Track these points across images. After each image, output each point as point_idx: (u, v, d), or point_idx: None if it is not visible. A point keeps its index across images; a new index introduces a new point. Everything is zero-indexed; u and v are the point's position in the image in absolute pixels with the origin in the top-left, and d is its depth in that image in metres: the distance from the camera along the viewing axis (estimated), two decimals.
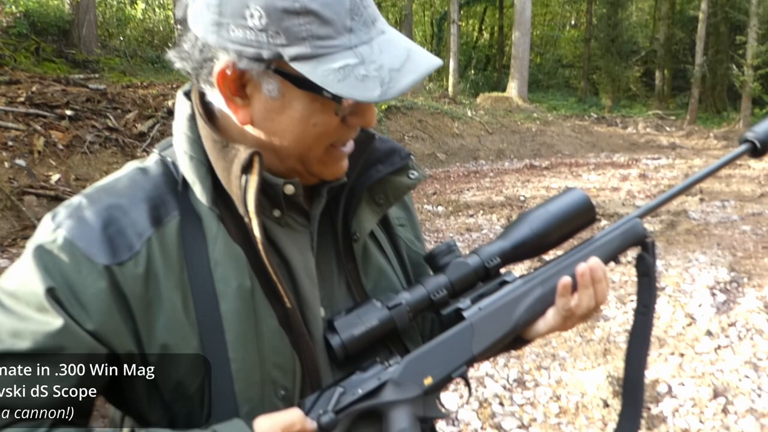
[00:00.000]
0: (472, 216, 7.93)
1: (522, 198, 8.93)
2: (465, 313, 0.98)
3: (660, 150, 15.09)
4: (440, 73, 19.44)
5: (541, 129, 15.84)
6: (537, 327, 1.02)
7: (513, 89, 19.97)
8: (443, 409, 0.96)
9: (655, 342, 4.20)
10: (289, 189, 0.89)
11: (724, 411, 3.27)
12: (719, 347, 4.04)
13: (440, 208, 8.29)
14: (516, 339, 1.03)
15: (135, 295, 0.80)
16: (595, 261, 1.01)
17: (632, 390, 1.10)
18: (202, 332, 0.82)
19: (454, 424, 3.19)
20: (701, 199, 8.58)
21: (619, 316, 4.55)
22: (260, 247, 0.84)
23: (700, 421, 3.17)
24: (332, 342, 0.89)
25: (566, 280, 1.00)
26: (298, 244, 0.93)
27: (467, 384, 1.00)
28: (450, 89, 18.37)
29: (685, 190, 1.14)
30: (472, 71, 25.63)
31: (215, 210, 0.86)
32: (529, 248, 1.02)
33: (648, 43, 25.89)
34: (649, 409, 3.32)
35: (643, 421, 3.10)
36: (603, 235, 1.07)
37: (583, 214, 1.04)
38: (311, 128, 0.82)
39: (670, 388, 3.55)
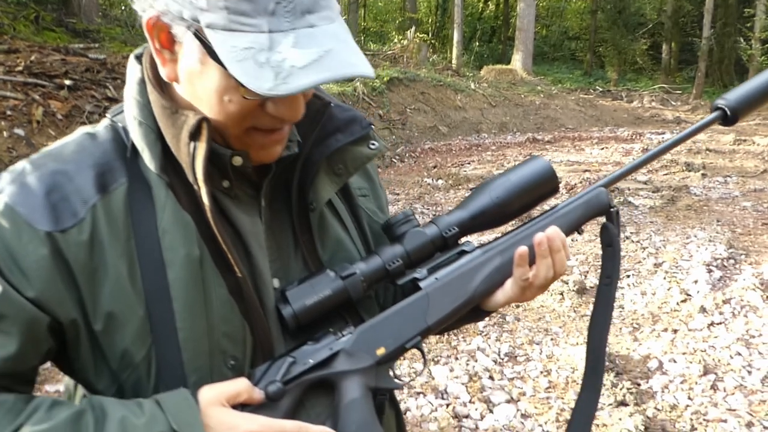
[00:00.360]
0: (472, 189, 7.89)
1: None
2: (421, 284, 0.97)
3: (665, 125, 14.97)
4: (444, 44, 19.23)
5: (545, 102, 15.70)
6: (495, 298, 1.02)
7: (517, 62, 19.75)
8: (397, 380, 0.96)
9: (648, 318, 4.21)
10: (237, 160, 0.87)
11: (713, 388, 3.29)
12: (712, 324, 4.05)
13: (440, 182, 8.26)
14: (475, 310, 1.03)
15: (78, 262, 0.80)
16: (553, 230, 1.01)
17: (594, 361, 1.10)
18: (149, 301, 0.82)
19: (443, 398, 3.21)
20: (703, 175, 8.53)
21: None
22: (209, 215, 0.83)
23: (689, 398, 3.19)
24: (284, 312, 0.89)
25: (522, 250, 0.99)
26: (249, 215, 0.92)
27: (423, 355, 1.00)
28: (453, 61, 18.21)
29: (653, 158, 1.12)
30: (477, 43, 25.34)
31: (164, 177, 0.85)
32: (489, 218, 1.00)
33: (655, 15, 25.51)
34: (638, 385, 3.34)
35: (631, 397, 3.12)
36: (565, 205, 1.07)
37: (546, 184, 1.02)
38: (226, 104, 0.80)
39: (661, 364, 3.56)
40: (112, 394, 0.85)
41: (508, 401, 3.20)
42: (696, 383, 3.32)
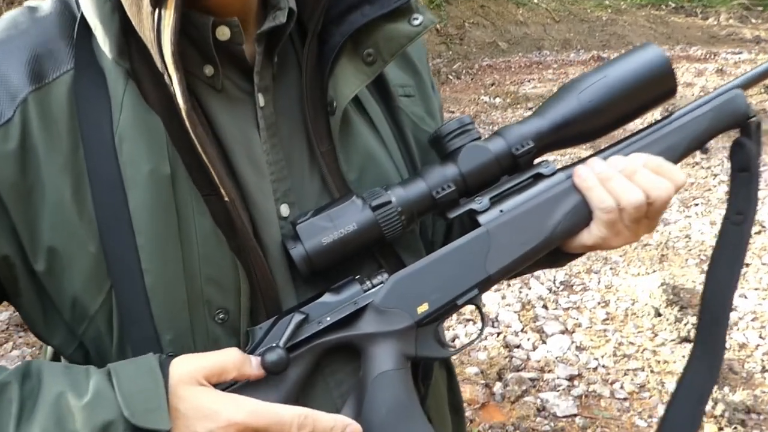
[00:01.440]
0: (531, 109, 7.54)
1: None
2: (480, 218, 0.75)
3: (742, 44, 13.93)
4: None
5: (613, 18, 14.78)
6: (580, 239, 0.78)
7: None
8: (444, 347, 0.75)
9: None
10: (223, 32, 0.66)
11: None
12: None
13: (498, 100, 7.91)
14: (553, 253, 0.80)
15: (5, 180, 0.61)
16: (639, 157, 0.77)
17: (710, 322, 0.86)
18: (104, 234, 0.63)
19: (493, 326, 3.07)
20: None
21: (681, 221, 4.26)
22: (183, 113, 0.62)
23: (760, 337, 2.96)
24: (293, 252, 0.69)
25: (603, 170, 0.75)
26: (238, 119, 0.70)
27: (481, 314, 0.78)
28: None
29: None
30: None
31: (123, 64, 0.64)
32: (577, 129, 0.77)
33: None
34: None
35: None
36: (686, 113, 0.80)
37: (658, 83, 0.77)
38: None
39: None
40: (70, 354, 0.68)
41: (562, 332, 3.04)
42: None
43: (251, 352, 0.67)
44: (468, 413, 2.62)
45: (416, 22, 0.74)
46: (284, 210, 0.72)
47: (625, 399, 2.59)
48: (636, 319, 3.12)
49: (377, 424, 0.68)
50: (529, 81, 9.42)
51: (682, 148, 0.79)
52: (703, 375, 0.86)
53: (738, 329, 3.03)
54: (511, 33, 12.43)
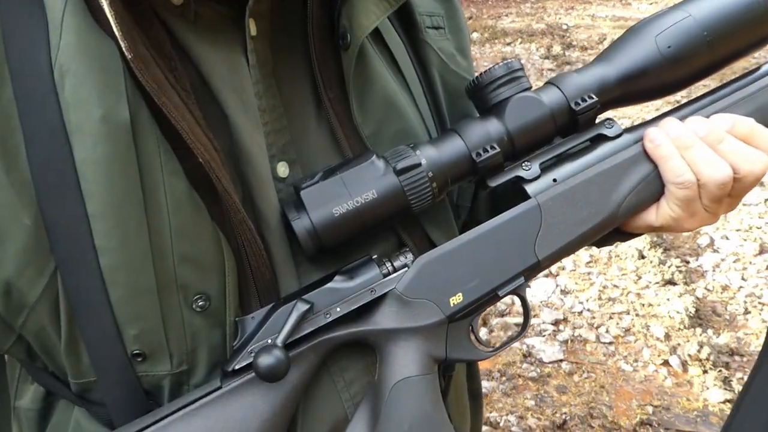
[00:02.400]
0: (509, 44, 7.36)
1: (564, 26, 8.24)
2: (529, 188, 0.62)
3: None
4: None
5: None
6: (646, 217, 0.65)
7: None
8: (480, 347, 0.63)
9: None
10: None
11: None
12: None
13: (475, 35, 7.70)
14: (612, 231, 0.67)
15: None
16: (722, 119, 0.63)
17: None
18: (43, 200, 0.49)
19: None
20: None
21: None
22: (125, 49, 0.47)
23: (743, 278, 2.96)
24: (295, 225, 0.55)
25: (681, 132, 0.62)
26: (223, 51, 0.56)
27: (525, 308, 0.65)
28: None
29: None
30: None
31: None
32: (652, 82, 0.63)
33: None
34: (687, 263, 3.11)
35: (680, 276, 2.90)
36: None
37: (753, 23, 0.63)
38: None
39: (712, 240, 3.31)
40: (10, 348, 0.56)
41: (546, 275, 3.00)
42: (750, 263, 3.07)
43: (240, 349, 0.55)
44: None
45: None
46: (282, 169, 0.59)
47: (610, 343, 2.57)
48: (619, 262, 3.09)
49: None
50: (507, 15, 9.19)
51: None
52: None
53: (720, 271, 3.03)
54: None
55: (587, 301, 2.82)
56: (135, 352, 0.53)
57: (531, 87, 0.63)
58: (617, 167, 0.63)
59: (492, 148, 0.60)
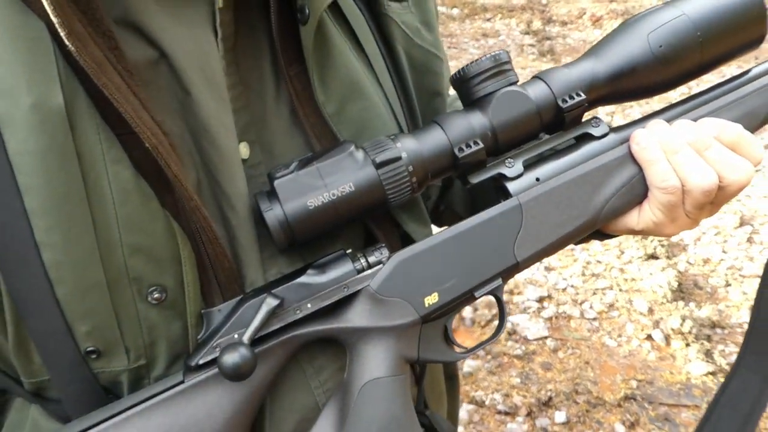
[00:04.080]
0: (489, 20, 7.32)
1: (546, 3, 8.21)
2: (511, 186, 0.61)
3: None
4: None
5: None
6: (628, 220, 0.65)
7: None
8: (453, 349, 0.62)
9: None
10: None
11: (749, 240, 3.07)
12: None
13: (455, 11, 7.64)
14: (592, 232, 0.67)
15: None
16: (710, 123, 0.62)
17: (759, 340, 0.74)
18: None
19: None
20: None
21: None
22: (57, 26, 0.45)
23: (723, 251, 2.99)
24: (267, 216, 0.54)
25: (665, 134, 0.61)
26: (187, 27, 0.53)
27: (500, 309, 0.64)
28: None
29: None
30: None
31: None
32: (642, 79, 0.62)
33: None
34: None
35: (662, 250, 2.92)
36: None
37: (746, 25, 0.63)
38: None
39: None
40: None
41: None
42: (731, 236, 3.10)
43: (205, 343, 0.54)
44: None
45: None
46: (244, 150, 0.57)
47: (594, 319, 2.59)
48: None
49: None
50: None
51: (764, 114, 0.66)
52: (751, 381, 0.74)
53: (701, 244, 3.05)
54: None
55: (571, 277, 2.83)
56: (88, 349, 0.51)
57: (518, 80, 0.61)
58: (602, 169, 0.62)
59: (475, 143, 0.59)
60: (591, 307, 2.64)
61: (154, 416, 0.52)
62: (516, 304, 2.67)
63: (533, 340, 2.48)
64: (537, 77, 0.62)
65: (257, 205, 0.55)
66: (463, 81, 0.61)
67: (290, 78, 0.58)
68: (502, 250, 0.59)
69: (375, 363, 0.56)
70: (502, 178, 0.61)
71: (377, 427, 0.55)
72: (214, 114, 0.54)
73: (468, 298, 0.60)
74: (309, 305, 0.55)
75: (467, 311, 2.60)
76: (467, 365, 2.37)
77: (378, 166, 0.55)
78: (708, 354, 2.34)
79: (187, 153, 0.54)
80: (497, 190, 0.62)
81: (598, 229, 0.66)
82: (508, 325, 2.53)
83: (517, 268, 0.60)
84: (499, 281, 0.60)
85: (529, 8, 7.85)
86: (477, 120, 0.59)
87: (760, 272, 2.72)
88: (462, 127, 0.59)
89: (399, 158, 0.56)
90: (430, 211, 0.72)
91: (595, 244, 3.05)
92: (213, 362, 0.53)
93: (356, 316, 0.56)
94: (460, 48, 6.38)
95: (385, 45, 0.67)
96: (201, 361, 0.53)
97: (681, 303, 2.59)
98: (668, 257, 2.90)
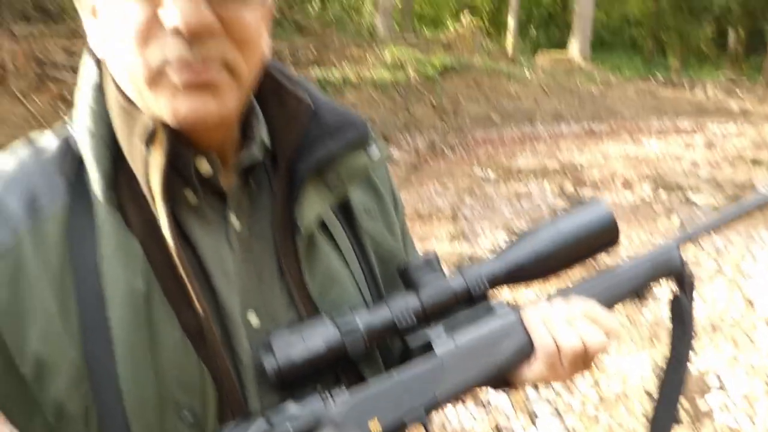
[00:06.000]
0: (522, 181, 7.68)
1: (579, 166, 8.59)
2: (437, 348, 0.82)
3: (730, 116, 14.30)
4: (499, 30, 18.82)
5: (603, 91, 15.20)
6: (523, 373, 0.85)
7: (574, 48, 19.17)
8: None
9: (708, 328, 3.96)
10: (204, 167, 0.75)
11: None
12: None
13: (491, 173, 8.06)
14: (501, 381, 0.88)
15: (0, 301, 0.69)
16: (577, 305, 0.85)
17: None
18: (86, 343, 0.70)
19: (484, 408, 3.07)
20: None
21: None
22: (169, 238, 0.70)
23: (751, 421, 2.97)
24: (266, 363, 0.75)
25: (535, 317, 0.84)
26: (212, 237, 0.78)
27: None
28: (509, 48, 17.78)
29: (746, 211, 0.96)
30: (533, 29, 24.75)
31: (111, 194, 0.73)
32: (528, 272, 0.86)
33: (723, 0, 24.40)
34: (694, 401, 3.13)
35: (686, 416, 2.92)
36: (627, 269, 0.92)
37: (601, 236, 0.87)
38: (118, 26, 0.66)
39: (720, 380, 3.34)
40: None
41: (553, 414, 3.04)
42: (760, 404, 3.09)
43: None
44: None
45: (373, 155, 0.86)
46: (253, 318, 0.79)
47: None
48: (627, 401, 3.13)
49: None
50: (521, 153, 9.61)
51: (620, 296, 0.90)
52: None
53: (728, 411, 3.03)
54: (504, 106, 12.74)
55: None
56: None
57: (443, 272, 0.85)
58: (501, 333, 0.83)
59: (411, 319, 0.82)
60: None
61: None
62: None
63: None
64: (458, 270, 0.86)
65: (259, 356, 0.77)
66: (405, 272, 0.85)
67: (289, 272, 0.82)
68: (426, 390, 0.79)
69: None
70: (431, 342, 0.82)
71: None
72: (227, 297, 0.77)
73: (402, 425, 0.78)
74: (289, 427, 0.74)
75: None
76: None
77: (343, 334, 0.78)
78: None
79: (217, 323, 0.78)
80: (425, 347, 0.83)
81: (506, 380, 0.87)
82: None
83: (437, 404, 0.80)
84: (423, 413, 0.79)
85: (563, 171, 8.22)
86: (411, 301, 0.82)
87: None
88: (401, 305, 0.82)
89: (357, 329, 0.78)
90: (402, 351, 0.93)
91: (619, 409, 3.07)
92: None
93: None
94: (495, 210, 6.66)
95: (360, 248, 0.91)
96: None
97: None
98: (692, 423, 2.90)
